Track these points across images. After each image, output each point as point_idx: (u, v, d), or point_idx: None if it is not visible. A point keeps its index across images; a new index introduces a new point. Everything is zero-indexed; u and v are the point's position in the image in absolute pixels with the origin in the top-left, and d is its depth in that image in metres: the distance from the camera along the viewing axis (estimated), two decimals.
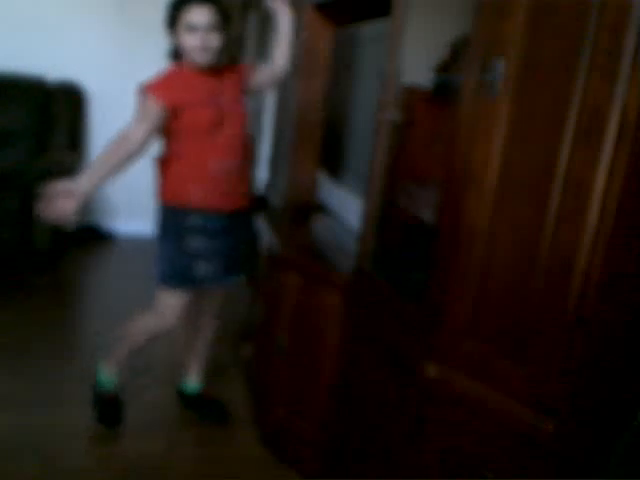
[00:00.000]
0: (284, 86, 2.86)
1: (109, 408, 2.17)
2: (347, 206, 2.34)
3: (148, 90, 1.83)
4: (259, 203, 2.94)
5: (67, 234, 3.86)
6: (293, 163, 2.57)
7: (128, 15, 3.98)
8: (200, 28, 1.81)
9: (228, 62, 2.04)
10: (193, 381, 2.30)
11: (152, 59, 2.51)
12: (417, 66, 1.59)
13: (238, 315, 3.14)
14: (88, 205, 4.22)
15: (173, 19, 1.85)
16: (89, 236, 4.17)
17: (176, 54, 1.93)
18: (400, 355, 1.44)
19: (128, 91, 2.07)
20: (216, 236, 1.96)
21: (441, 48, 1.55)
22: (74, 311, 3.29)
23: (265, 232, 2.33)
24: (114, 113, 3.11)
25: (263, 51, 5.00)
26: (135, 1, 3.97)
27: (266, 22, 5.13)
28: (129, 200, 4.14)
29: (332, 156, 2.66)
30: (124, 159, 1.81)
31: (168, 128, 1.88)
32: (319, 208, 2.58)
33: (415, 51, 1.55)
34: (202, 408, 2.27)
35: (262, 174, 3.50)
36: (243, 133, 1.97)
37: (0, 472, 1.86)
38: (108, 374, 2.19)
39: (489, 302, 1.20)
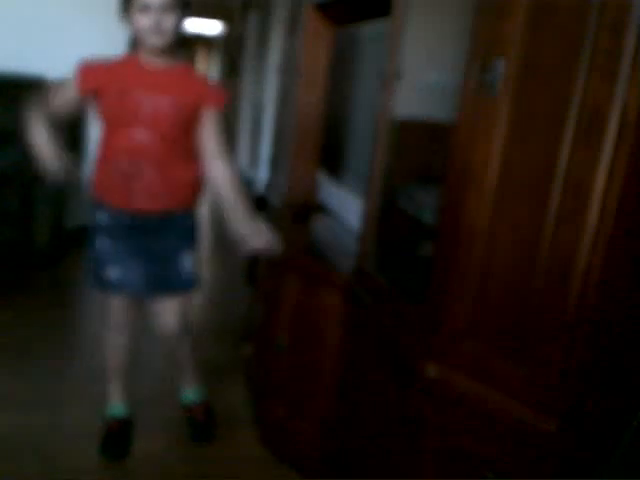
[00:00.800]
0: (284, 86, 2.86)
1: (112, 438, 2.06)
2: (347, 206, 2.34)
3: (77, 69, 1.84)
4: (259, 203, 2.94)
5: (67, 234, 3.86)
6: (293, 163, 2.57)
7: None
8: (153, 7, 1.72)
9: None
10: (184, 389, 2.26)
11: None
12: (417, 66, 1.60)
13: (238, 315, 3.14)
14: (88, 205, 4.22)
15: (127, 3, 1.77)
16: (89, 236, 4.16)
17: (134, 42, 1.87)
18: (400, 355, 1.44)
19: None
20: (119, 235, 1.88)
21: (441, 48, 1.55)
22: (74, 311, 3.29)
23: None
24: None
25: (263, 51, 4.98)
26: None
27: (266, 22, 5.12)
28: None
29: (332, 156, 2.66)
30: (46, 127, 1.86)
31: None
32: (319, 208, 2.58)
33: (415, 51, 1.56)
34: (190, 425, 2.19)
35: (262, 174, 3.50)
36: (159, 141, 1.80)
37: (0, 472, 1.86)
38: (111, 401, 2.15)
39: (489, 302, 1.20)
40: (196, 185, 1.93)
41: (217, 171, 1.87)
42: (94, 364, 2.55)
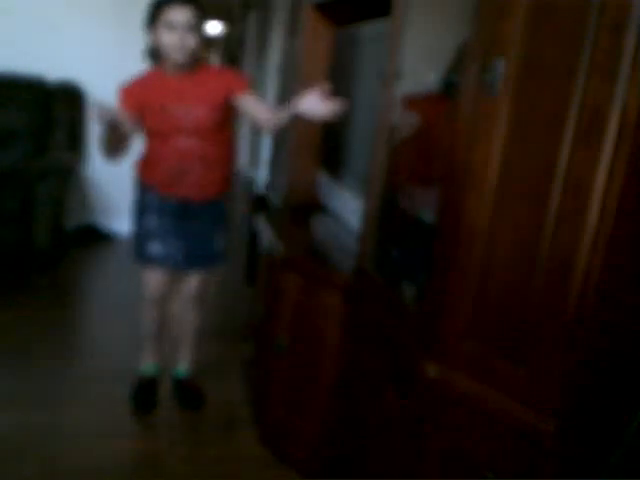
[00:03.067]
0: (284, 86, 2.86)
1: (142, 393, 2.31)
2: (347, 206, 2.34)
3: (119, 94, 2.03)
4: (259, 203, 2.94)
5: (67, 234, 3.86)
6: (293, 163, 2.57)
7: (128, 15, 3.97)
8: (179, 27, 1.91)
9: (225, 62, 2.16)
10: (179, 365, 2.41)
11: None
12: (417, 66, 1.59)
13: (238, 315, 3.14)
14: (88, 205, 4.23)
15: (153, 17, 1.94)
16: (89, 236, 4.17)
17: (153, 54, 2.02)
18: (400, 355, 1.44)
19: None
20: (166, 216, 2.11)
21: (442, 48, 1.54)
22: (74, 311, 3.29)
23: (265, 232, 2.33)
24: None
25: (263, 51, 4.98)
26: (135, 1, 3.97)
27: (266, 22, 5.12)
28: (129, 200, 4.14)
29: (332, 156, 2.66)
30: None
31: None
32: (319, 208, 2.58)
33: (416, 51, 1.56)
34: (180, 393, 2.36)
35: (262, 174, 3.50)
36: (202, 143, 2.04)
37: (0, 472, 1.86)
38: (144, 361, 2.39)
39: (489, 302, 1.20)
40: (231, 169, 2.20)
41: (271, 114, 2.06)
42: (94, 364, 2.55)
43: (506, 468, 1.18)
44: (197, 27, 1.94)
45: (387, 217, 1.67)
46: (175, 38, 1.91)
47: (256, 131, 6.22)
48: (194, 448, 2.10)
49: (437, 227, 1.31)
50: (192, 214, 2.13)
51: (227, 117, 2.09)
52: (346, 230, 2.24)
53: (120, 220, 4.29)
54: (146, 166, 2.13)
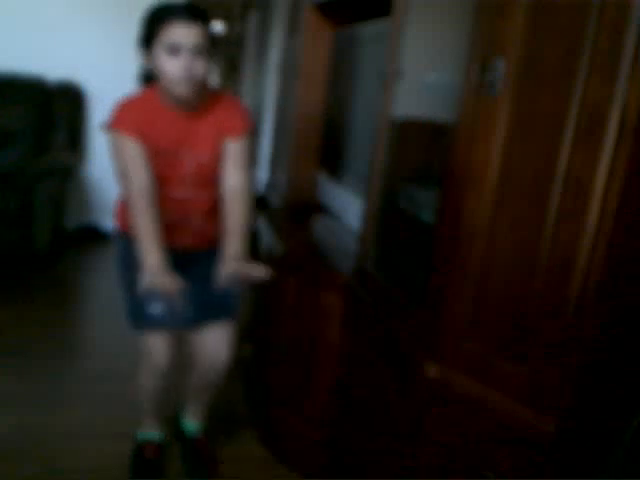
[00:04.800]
0: (284, 86, 2.86)
1: (146, 463, 1.95)
2: (347, 206, 2.34)
3: (118, 128, 1.57)
4: (259, 203, 2.94)
5: (67, 234, 3.86)
6: (293, 163, 2.57)
7: (128, 15, 3.98)
8: (185, 49, 1.48)
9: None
10: (189, 419, 2.05)
11: None
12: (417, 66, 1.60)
13: (238, 315, 3.14)
14: (88, 205, 4.23)
15: (150, 36, 1.52)
16: (89, 236, 4.17)
17: (147, 78, 1.65)
18: (400, 355, 1.44)
19: (128, 91, 2.06)
20: None
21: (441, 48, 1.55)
22: (74, 311, 3.29)
23: (265, 232, 2.33)
24: None
25: (263, 51, 4.99)
26: (136, 1, 3.97)
27: (266, 22, 5.13)
28: None
29: (332, 156, 2.66)
30: (154, 211, 1.58)
31: None
32: (319, 208, 2.58)
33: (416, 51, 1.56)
34: (189, 457, 2.00)
35: (262, 174, 3.50)
36: (202, 192, 1.70)
37: (0, 472, 1.86)
38: (145, 429, 2.02)
39: (489, 302, 1.20)
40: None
41: (234, 182, 1.69)
42: (94, 364, 2.55)
43: (506, 468, 1.18)
44: (208, 48, 1.52)
45: (387, 217, 1.67)
46: (180, 65, 1.49)
47: (256, 131, 6.21)
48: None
49: (437, 227, 1.31)
50: (195, 259, 1.76)
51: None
52: (346, 230, 2.24)
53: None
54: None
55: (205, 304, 1.77)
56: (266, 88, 5.28)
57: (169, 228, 1.64)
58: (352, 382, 1.73)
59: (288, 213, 2.56)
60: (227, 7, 8.08)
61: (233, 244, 1.63)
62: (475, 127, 1.19)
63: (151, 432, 2.00)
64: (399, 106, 1.59)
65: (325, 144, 2.60)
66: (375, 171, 1.65)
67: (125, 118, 1.58)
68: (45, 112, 3.78)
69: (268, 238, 2.24)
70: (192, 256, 1.76)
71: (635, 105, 0.98)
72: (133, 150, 1.57)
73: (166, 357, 1.79)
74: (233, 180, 1.68)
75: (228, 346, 1.84)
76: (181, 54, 1.49)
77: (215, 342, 1.84)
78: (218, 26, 9.29)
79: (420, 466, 1.34)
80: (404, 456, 1.39)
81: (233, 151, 1.67)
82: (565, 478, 1.14)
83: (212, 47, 1.54)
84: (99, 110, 4.04)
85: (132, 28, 3.00)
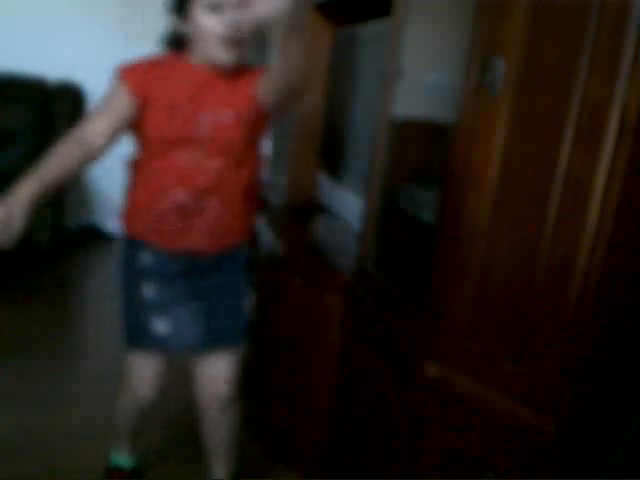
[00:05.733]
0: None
1: None
2: (347, 206, 2.34)
3: (122, 73, 1.39)
4: (259, 203, 2.93)
5: (67, 234, 3.86)
6: (293, 163, 2.57)
7: (128, 15, 3.98)
8: (228, 4, 1.29)
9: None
10: (216, 474, 1.77)
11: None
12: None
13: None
14: (88, 205, 4.23)
15: None
16: (89, 236, 4.17)
17: (176, 42, 1.44)
18: (400, 355, 1.44)
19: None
20: (170, 282, 1.48)
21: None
22: (74, 311, 3.29)
23: (265, 232, 2.32)
24: None
25: (263, 51, 4.98)
26: (135, 1, 3.97)
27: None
28: None
29: (332, 156, 2.66)
30: (77, 164, 1.38)
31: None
32: (319, 208, 2.58)
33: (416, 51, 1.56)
34: None
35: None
36: (226, 166, 1.41)
37: (0, 472, 1.86)
38: (117, 453, 1.86)
39: (489, 302, 1.20)
40: (256, 205, 1.58)
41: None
42: (94, 364, 2.55)
43: (506, 468, 1.18)
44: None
45: (387, 217, 1.67)
46: (224, 22, 1.31)
47: None
48: (194, 448, 2.10)
49: (437, 227, 1.31)
50: (206, 272, 1.50)
51: (260, 132, 1.49)
52: (346, 230, 2.24)
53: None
54: (137, 210, 1.48)
55: (215, 325, 1.53)
56: None
57: (177, 217, 1.42)
58: (352, 382, 1.73)
59: (288, 213, 2.56)
60: None
61: None
62: (475, 127, 1.19)
63: (123, 458, 1.84)
64: (399, 106, 1.59)
65: (325, 144, 2.60)
66: (375, 171, 1.65)
67: (135, 70, 1.41)
68: (45, 112, 3.78)
69: (268, 238, 2.24)
70: (207, 265, 1.50)
71: (635, 105, 0.98)
72: (118, 103, 1.39)
73: (151, 389, 1.58)
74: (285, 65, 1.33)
75: (231, 376, 1.60)
76: (224, 8, 1.30)
77: (217, 373, 1.59)
78: None
79: (420, 466, 1.34)
80: (404, 456, 1.39)
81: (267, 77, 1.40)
82: (565, 478, 1.14)
83: None
84: None
85: (132, 28, 3.03)
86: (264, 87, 1.40)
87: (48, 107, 3.79)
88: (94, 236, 4.20)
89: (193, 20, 1.34)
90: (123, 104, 1.38)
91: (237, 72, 1.41)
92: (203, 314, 1.51)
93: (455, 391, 1.25)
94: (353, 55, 2.55)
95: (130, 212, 1.50)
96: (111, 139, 1.40)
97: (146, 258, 1.48)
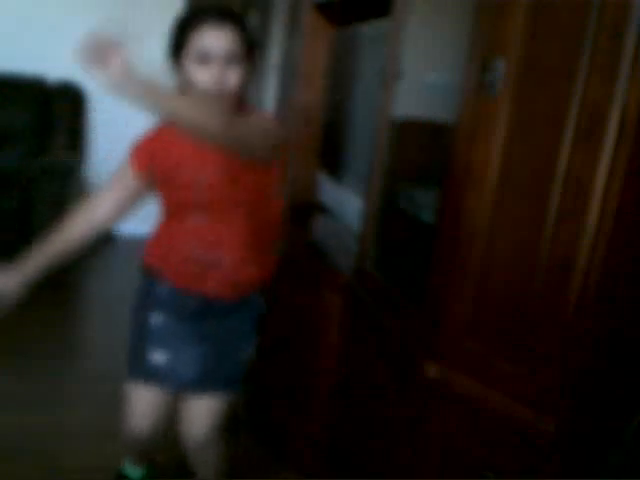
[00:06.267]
0: (284, 86, 2.86)
1: None
2: (347, 206, 2.34)
3: (131, 150, 1.47)
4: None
5: None
6: (293, 163, 2.57)
7: (128, 15, 3.98)
8: (216, 57, 1.32)
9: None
10: None
11: (152, 59, 2.51)
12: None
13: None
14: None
15: (178, 46, 1.36)
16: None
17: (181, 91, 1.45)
18: (400, 355, 1.44)
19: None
20: (179, 317, 1.50)
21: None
22: (74, 311, 3.29)
23: None
24: (114, 113, 3.12)
25: (263, 51, 4.99)
26: (135, 1, 3.97)
27: (266, 22, 5.13)
28: None
29: (332, 156, 2.66)
30: (83, 239, 1.51)
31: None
32: (319, 208, 2.58)
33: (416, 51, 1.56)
34: None
35: None
36: (238, 224, 1.44)
37: (0, 472, 1.86)
38: (128, 462, 1.81)
39: (489, 302, 1.20)
40: (277, 246, 1.60)
41: None
42: (94, 364, 2.55)
43: (506, 468, 1.18)
44: (243, 56, 1.35)
45: (387, 217, 1.67)
46: (210, 75, 1.32)
47: None
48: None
49: (437, 227, 1.31)
50: (216, 314, 1.51)
51: (270, 183, 1.50)
52: (346, 230, 2.24)
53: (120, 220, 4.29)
54: (157, 246, 1.53)
55: (213, 368, 1.53)
56: (266, 88, 5.28)
57: (192, 270, 1.46)
58: (352, 382, 1.73)
59: (288, 213, 2.56)
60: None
61: None
62: (475, 127, 1.19)
63: (131, 468, 1.80)
64: (399, 106, 1.59)
65: (325, 144, 2.60)
66: (375, 171, 1.65)
67: (140, 147, 1.47)
68: (45, 112, 3.78)
69: None
70: (220, 308, 1.51)
71: (635, 105, 0.98)
72: (123, 178, 1.48)
73: (146, 427, 1.57)
74: None
75: (209, 421, 1.58)
76: (212, 62, 1.32)
77: (196, 413, 1.58)
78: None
79: (420, 466, 1.34)
80: (404, 456, 1.39)
81: None
82: (565, 478, 1.14)
83: (249, 52, 1.37)
84: (99, 110, 4.05)
85: (132, 28, 3.00)
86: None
87: (48, 107, 3.79)
88: (94, 236, 4.19)
89: (185, 71, 1.36)
90: (129, 182, 1.47)
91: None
92: (203, 356, 1.51)
93: (455, 391, 1.25)
94: (353, 55, 2.55)
95: (153, 250, 1.55)
96: (117, 214, 1.51)
97: (162, 289, 1.51)
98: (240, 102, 1.41)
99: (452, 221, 1.25)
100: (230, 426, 2.24)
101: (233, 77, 1.34)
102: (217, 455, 1.69)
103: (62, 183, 3.74)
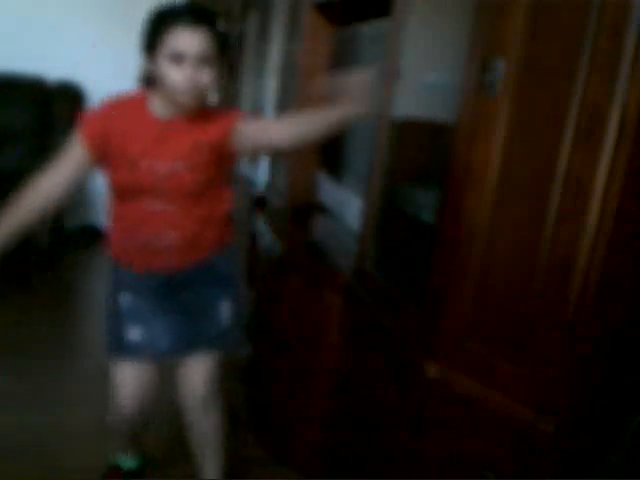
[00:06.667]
0: (284, 86, 2.86)
1: None
2: (347, 206, 2.34)
3: (82, 126, 1.47)
4: (259, 203, 2.93)
5: (67, 234, 3.86)
6: (293, 163, 2.57)
7: (128, 15, 3.98)
8: (189, 57, 1.35)
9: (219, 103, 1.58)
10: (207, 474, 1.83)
11: None
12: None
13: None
14: (88, 205, 4.23)
15: (152, 40, 1.39)
16: (89, 236, 4.17)
17: (149, 81, 1.48)
18: (400, 355, 1.44)
19: (128, 91, 2.05)
20: (145, 295, 1.58)
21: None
22: (74, 311, 3.29)
23: (265, 232, 2.33)
24: None
25: (263, 51, 4.98)
26: (135, 1, 3.97)
27: (266, 22, 5.12)
28: None
29: (332, 156, 2.66)
30: (40, 212, 1.54)
31: None
32: (319, 208, 2.58)
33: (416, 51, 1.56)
34: None
35: (262, 174, 3.50)
36: (185, 208, 1.50)
37: (0, 472, 1.86)
38: (120, 453, 1.90)
39: (489, 302, 1.20)
40: (230, 221, 1.65)
41: (287, 129, 1.54)
42: (94, 364, 2.55)
43: (506, 468, 1.18)
44: (215, 57, 1.39)
45: (387, 217, 1.67)
46: (183, 75, 1.36)
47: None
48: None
49: (437, 227, 1.31)
50: (181, 283, 1.59)
51: (225, 171, 1.58)
52: (346, 230, 2.24)
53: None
54: (112, 236, 1.61)
55: (194, 332, 1.62)
56: (266, 88, 5.28)
57: (150, 248, 1.53)
58: (352, 382, 1.73)
59: (288, 213, 2.56)
60: (227, 7, 8.08)
61: (326, 115, 1.45)
62: (475, 127, 1.19)
63: (122, 458, 1.88)
64: (399, 106, 1.59)
65: (325, 144, 2.60)
66: (375, 171, 1.65)
67: (95, 121, 1.49)
68: (45, 112, 3.78)
69: (268, 238, 2.24)
70: (178, 278, 1.58)
71: (635, 105, 0.98)
72: (73, 154, 1.51)
73: (135, 402, 1.63)
74: (283, 130, 1.54)
75: (204, 380, 1.67)
76: (185, 62, 1.36)
77: (191, 374, 1.67)
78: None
79: (420, 466, 1.34)
80: (404, 456, 1.39)
81: (254, 126, 1.56)
82: (565, 478, 1.14)
83: (222, 53, 1.41)
84: None
85: (132, 28, 2.99)
86: (243, 135, 1.50)
87: (48, 107, 3.79)
88: (94, 236, 4.19)
89: (158, 66, 1.39)
90: (79, 159, 1.51)
91: (197, 118, 1.48)
92: (175, 325, 1.59)
93: (455, 391, 1.25)
94: (353, 55, 2.55)
95: (111, 239, 1.62)
96: (67, 188, 1.53)
97: (124, 273, 1.60)
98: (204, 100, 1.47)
99: (452, 221, 1.25)
100: (230, 425, 2.25)
101: (205, 77, 1.38)
102: (219, 417, 1.76)
103: None
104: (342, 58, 2.56)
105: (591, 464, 1.17)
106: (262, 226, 2.42)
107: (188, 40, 1.35)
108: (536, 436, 1.14)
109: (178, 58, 1.36)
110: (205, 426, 1.74)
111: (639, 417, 1.14)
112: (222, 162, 1.53)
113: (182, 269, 1.58)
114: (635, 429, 1.14)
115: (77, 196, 4.01)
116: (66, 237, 3.84)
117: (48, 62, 3.86)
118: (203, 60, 1.37)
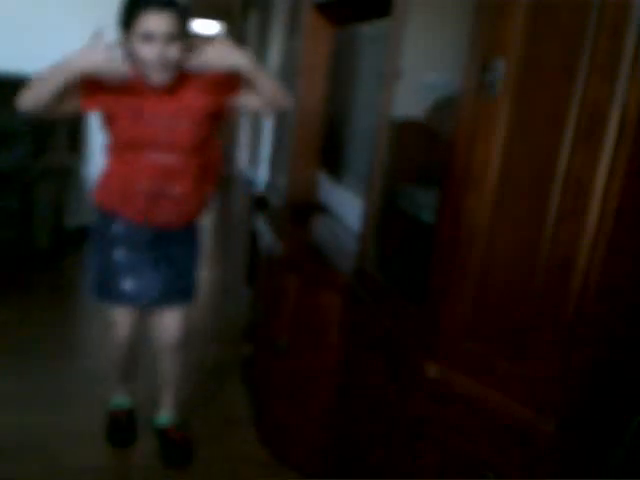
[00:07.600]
0: (284, 86, 2.86)
1: (118, 427, 2.11)
2: (347, 206, 2.34)
3: (82, 86, 1.71)
4: (259, 203, 2.93)
5: (67, 234, 3.86)
6: (293, 163, 2.57)
7: None
8: (157, 37, 1.59)
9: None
10: (161, 414, 2.12)
11: None
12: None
13: (239, 315, 3.14)
14: (88, 205, 4.23)
15: (126, 22, 1.62)
16: (89, 236, 4.17)
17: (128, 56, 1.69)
18: (400, 355, 1.44)
19: None
20: (138, 248, 1.82)
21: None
22: (74, 311, 3.29)
23: (265, 232, 2.33)
24: None
25: (263, 51, 4.97)
26: None
27: (266, 22, 5.12)
28: None
29: (332, 156, 2.66)
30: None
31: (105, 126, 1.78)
32: (319, 208, 2.58)
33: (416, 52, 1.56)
34: (163, 447, 2.05)
35: (262, 174, 3.50)
36: (184, 158, 1.74)
37: (1, 472, 1.86)
38: (115, 396, 2.17)
39: (489, 302, 1.20)
40: (216, 182, 1.91)
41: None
42: (94, 364, 2.55)
43: (506, 468, 1.18)
44: (180, 34, 1.62)
45: (387, 217, 1.67)
46: (153, 51, 1.60)
47: (256, 131, 6.22)
48: (194, 448, 2.10)
49: (437, 227, 1.31)
50: (167, 241, 1.85)
51: (215, 128, 1.81)
52: (346, 230, 2.24)
53: None
54: (110, 190, 1.81)
55: (173, 288, 1.89)
56: None
57: (146, 201, 1.74)
58: (352, 382, 1.73)
59: (288, 213, 2.56)
60: (227, 7, 8.08)
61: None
62: (475, 127, 1.19)
63: (120, 398, 2.16)
64: (399, 106, 1.59)
65: (325, 144, 2.60)
66: (375, 171, 1.65)
67: (90, 84, 1.70)
68: None
69: (268, 238, 2.24)
70: (169, 235, 1.85)
71: (635, 105, 0.98)
72: (74, 99, 1.76)
73: (130, 327, 1.95)
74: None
75: (179, 327, 1.98)
76: (154, 41, 1.60)
77: (170, 323, 1.97)
78: (217, 26, 9.30)
79: (420, 466, 1.34)
80: (404, 456, 1.39)
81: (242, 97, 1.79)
82: (565, 478, 1.14)
83: (185, 28, 1.64)
84: None
85: None
86: (237, 100, 1.79)
87: None
88: None
89: (132, 44, 1.63)
90: (73, 104, 1.77)
91: (181, 81, 1.71)
92: (162, 277, 1.86)
93: (455, 391, 1.25)
94: (353, 55, 2.55)
95: (104, 190, 1.83)
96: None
97: (118, 228, 1.81)
98: (180, 68, 1.68)
99: (452, 221, 1.25)
100: (231, 425, 2.25)
101: (172, 52, 1.62)
102: (183, 356, 2.07)
103: (62, 183, 3.74)
104: (342, 58, 2.56)
105: (591, 464, 1.17)
106: (262, 226, 2.42)
107: (157, 22, 1.59)
108: (536, 436, 1.14)
109: (149, 37, 1.60)
110: (172, 364, 2.05)
111: (639, 417, 1.14)
112: (215, 119, 1.78)
113: (175, 227, 1.83)
114: (635, 429, 1.14)
115: (77, 196, 4.02)
116: (66, 237, 3.84)
117: (48, 62, 3.85)
118: (170, 38, 1.60)
